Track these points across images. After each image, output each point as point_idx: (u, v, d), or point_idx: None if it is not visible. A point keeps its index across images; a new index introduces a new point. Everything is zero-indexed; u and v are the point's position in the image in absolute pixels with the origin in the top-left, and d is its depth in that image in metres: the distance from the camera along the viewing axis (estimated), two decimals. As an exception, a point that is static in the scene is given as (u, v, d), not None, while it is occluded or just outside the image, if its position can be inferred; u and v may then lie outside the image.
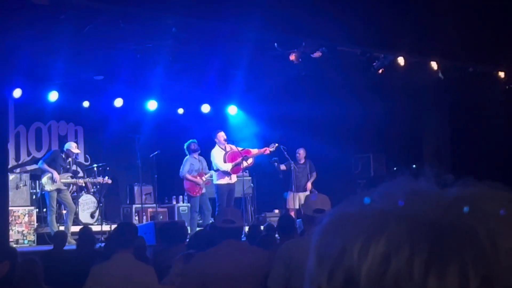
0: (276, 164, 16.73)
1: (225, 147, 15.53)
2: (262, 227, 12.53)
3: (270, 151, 15.83)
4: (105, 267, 6.89)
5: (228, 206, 15.18)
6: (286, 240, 8.40)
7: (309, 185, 16.85)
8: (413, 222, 0.90)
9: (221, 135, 15.61)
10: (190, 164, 15.62)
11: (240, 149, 15.60)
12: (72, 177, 15.17)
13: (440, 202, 0.93)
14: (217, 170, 15.39)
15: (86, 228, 11.20)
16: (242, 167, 15.55)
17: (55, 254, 10.23)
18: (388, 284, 0.87)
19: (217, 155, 15.42)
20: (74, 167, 15.47)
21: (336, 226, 0.95)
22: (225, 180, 15.32)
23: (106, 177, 15.83)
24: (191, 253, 7.54)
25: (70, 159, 15.16)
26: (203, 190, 15.62)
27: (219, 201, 15.24)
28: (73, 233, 14.25)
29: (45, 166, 14.74)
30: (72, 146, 15.25)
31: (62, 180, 14.75)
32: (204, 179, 15.56)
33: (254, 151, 15.83)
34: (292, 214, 16.07)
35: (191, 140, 15.91)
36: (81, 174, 16.53)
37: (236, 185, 15.79)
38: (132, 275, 6.71)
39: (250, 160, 15.61)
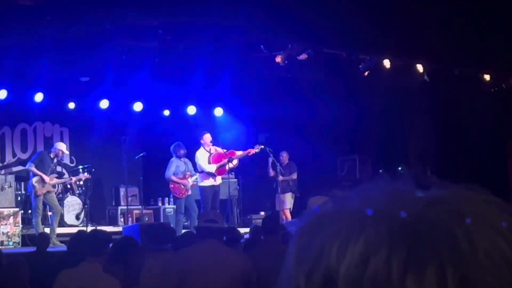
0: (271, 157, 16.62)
1: (209, 149, 15.52)
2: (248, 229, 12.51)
3: (254, 153, 15.83)
4: (71, 274, 6.81)
5: (213, 207, 15.17)
6: (270, 240, 8.44)
7: (280, 177, 16.77)
8: (391, 223, 0.90)
9: (207, 137, 15.60)
10: (176, 166, 15.60)
11: (224, 150, 15.60)
12: (58, 178, 15.11)
13: (418, 203, 0.93)
14: (201, 172, 15.38)
15: (81, 232, 11.07)
16: (227, 168, 15.55)
17: (38, 256, 10.20)
18: (366, 284, 0.88)
19: (201, 156, 15.41)
20: (59, 168, 15.40)
21: (314, 226, 0.95)
22: (209, 182, 15.31)
23: (85, 173, 15.70)
24: (162, 249, 7.59)
25: (56, 159, 15.04)
26: (189, 192, 15.59)
27: (203, 202, 15.24)
28: (58, 235, 14.21)
29: (34, 169, 14.61)
30: (63, 147, 15.13)
31: (50, 182, 14.69)
32: (190, 180, 15.54)
33: (239, 153, 15.83)
34: (283, 215, 16.10)
35: (179, 143, 15.81)
36: (66, 175, 16.48)
37: (222, 187, 15.77)
38: (96, 286, 6.63)
39: (235, 162, 15.63)
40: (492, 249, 0.90)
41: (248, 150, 15.83)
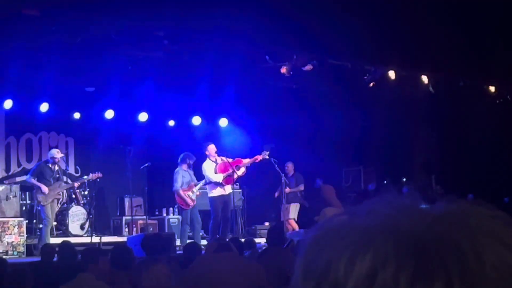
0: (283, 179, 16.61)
1: (215, 159, 15.49)
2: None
3: (261, 159, 15.75)
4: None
5: (225, 218, 15.14)
6: (275, 250, 8.46)
7: (287, 189, 16.77)
8: (399, 237, 0.90)
9: (212, 148, 15.56)
10: (182, 177, 15.56)
11: (230, 160, 15.56)
12: (65, 183, 15.06)
13: (425, 217, 0.93)
14: (209, 183, 15.33)
15: (66, 242, 11.08)
16: (235, 177, 15.49)
17: (43, 266, 10.18)
18: (374, 298, 0.88)
19: (208, 167, 15.37)
20: (64, 179, 15.37)
21: (322, 240, 0.95)
22: (218, 192, 15.24)
23: (97, 172, 15.63)
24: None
25: (57, 167, 14.97)
26: (195, 203, 15.56)
27: (213, 213, 15.14)
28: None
29: (33, 181, 14.58)
30: (54, 153, 15.07)
31: (58, 190, 14.67)
32: (195, 190, 15.49)
33: (246, 160, 15.76)
34: (288, 226, 16.08)
35: (188, 153, 15.73)
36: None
37: (229, 197, 15.74)
38: None
39: (242, 170, 15.56)
40: (499, 263, 0.90)
41: (255, 157, 15.74)
